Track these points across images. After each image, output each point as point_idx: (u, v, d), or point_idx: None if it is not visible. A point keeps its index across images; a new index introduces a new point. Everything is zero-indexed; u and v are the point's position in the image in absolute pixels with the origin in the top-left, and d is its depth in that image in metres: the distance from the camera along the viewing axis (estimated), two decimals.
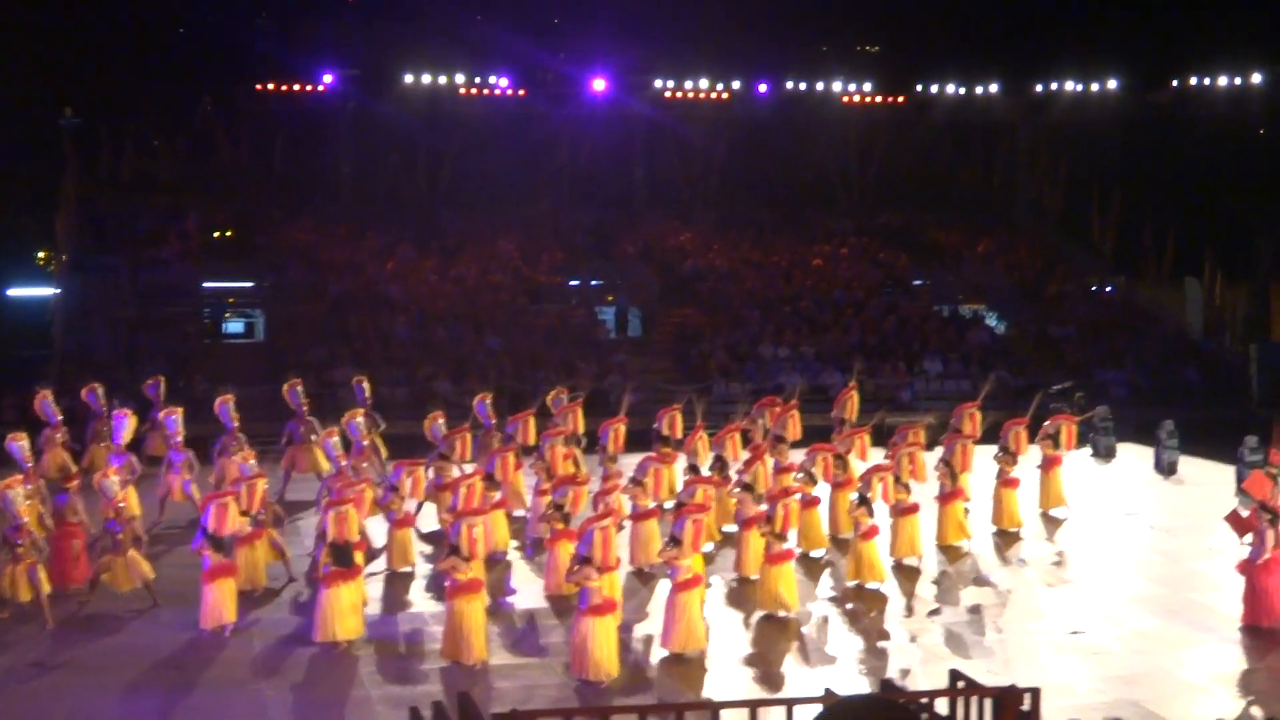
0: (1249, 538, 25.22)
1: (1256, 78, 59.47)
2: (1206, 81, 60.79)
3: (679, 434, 32.93)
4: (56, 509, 28.49)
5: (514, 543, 29.93)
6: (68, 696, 21.26)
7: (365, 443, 32.78)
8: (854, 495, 28.51)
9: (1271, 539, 24.56)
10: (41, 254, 65.03)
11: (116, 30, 59.84)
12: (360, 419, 32.72)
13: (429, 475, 29.67)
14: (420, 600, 26.25)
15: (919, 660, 23.15)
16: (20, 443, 30.37)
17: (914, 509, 29.05)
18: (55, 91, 56.67)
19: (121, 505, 26.87)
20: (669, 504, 29.29)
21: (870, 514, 27.35)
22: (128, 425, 33.08)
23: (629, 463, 30.67)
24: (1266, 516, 24.80)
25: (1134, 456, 40.95)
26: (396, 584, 27.33)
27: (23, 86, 58.80)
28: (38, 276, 64.21)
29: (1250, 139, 63.75)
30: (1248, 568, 24.75)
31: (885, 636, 24.71)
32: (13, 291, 64.53)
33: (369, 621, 24.07)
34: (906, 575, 28.00)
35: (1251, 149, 63.18)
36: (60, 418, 34.99)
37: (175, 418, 32.97)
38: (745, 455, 31.72)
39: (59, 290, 53.76)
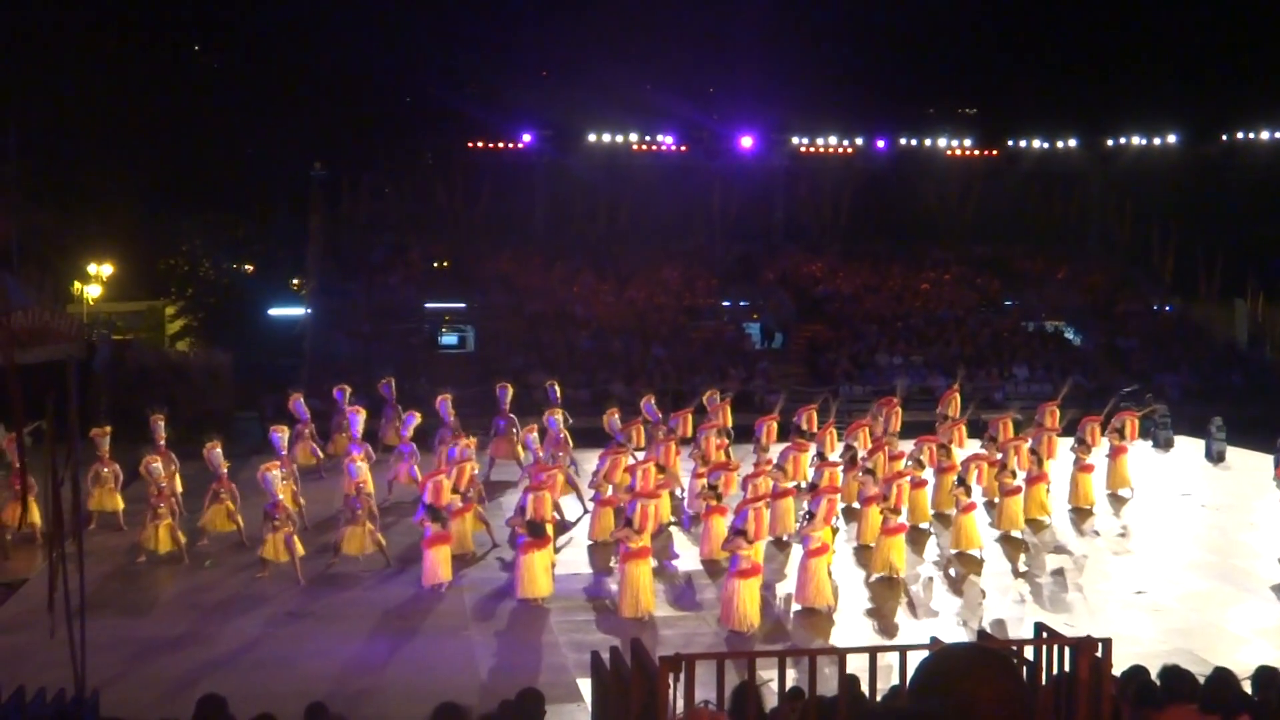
0: None
1: None
2: (1251, 135, 60.05)
3: (814, 427, 32.89)
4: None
5: (673, 517, 29.98)
6: (315, 639, 21.55)
7: (562, 435, 32.93)
8: (955, 478, 28.44)
9: None
10: (295, 281, 65.92)
11: (355, 100, 60.51)
12: (558, 416, 32.87)
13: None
14: (601, 564, 26.35)
15: (1009, 614, 23.03)
16: (281, 434, 30.84)
17: (1016, 490, 28.96)
18: (307, 150, 57.41)
19: (361, 484, 27.26)
20: (804, 485, 29.31)
21: (969, 493, 27.28)
22: (360, 420, 33.47)
23: (776, 451, 30.74)
24: None
25: (1188, 447, 40.37)
26: (593, 552, 27.45)
27: (281, 147, 59.72)
28: (292, 299, 65.18)
29: None
30: None
31: (980, 594, 24.57)
32: (272, 311, 65.50)
33: (559, 580, 24.25)
34: (998, 544, 27.86)
35: None
36: (309, 415, 35.38)
37: (413, 417, 33.29)
38: (870, 445, 31.57)
39: (309, 309, 54.43)
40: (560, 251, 58.02)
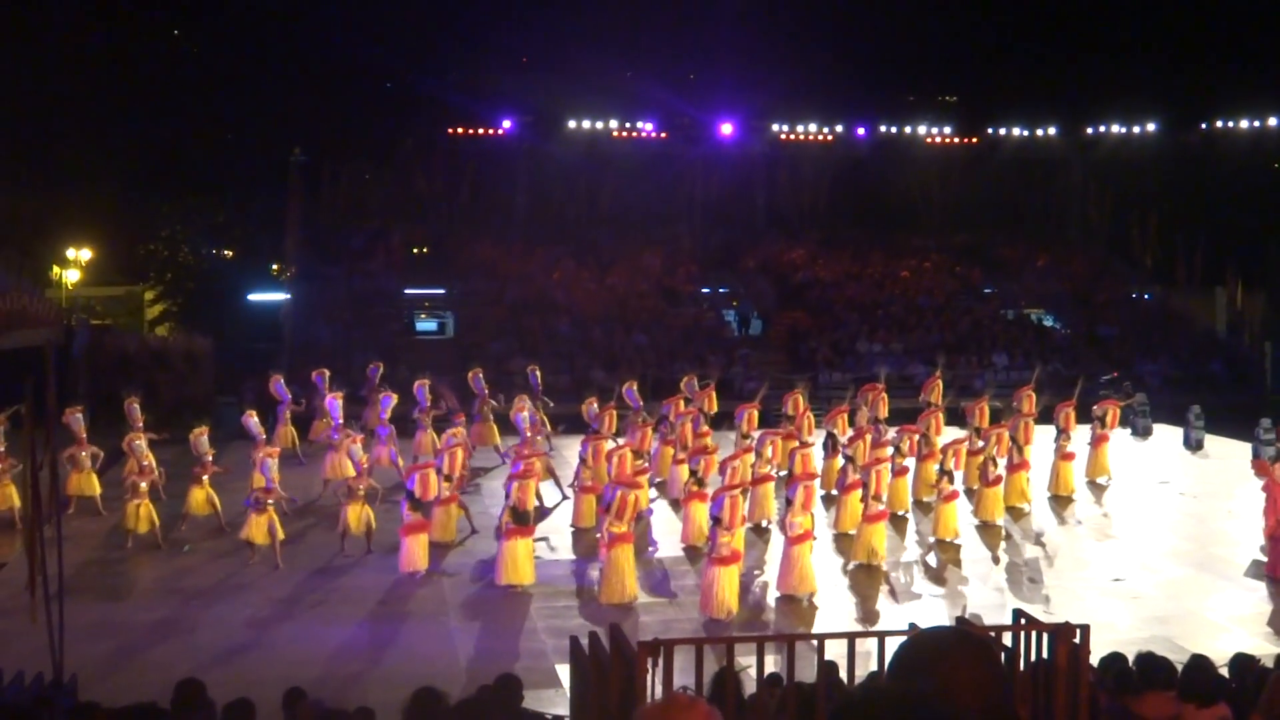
0: None
1: (1273, 121, 58.75)
2: (1230, 124, 60.17)
3: (800, 413, 33.01)
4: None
5: (654, 503, 30.00)
6: (295, 625, 21.61)
7: (540, 418, 32.95)
8: (937, 467, 28.42)
9: None
10: (275, 266, 65.71)
11: (335, 86, 60.30)
12: (526, 410, 32.60)
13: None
14: (582, 550, 26.35)
15: (988, 601, 23.07)
16: (253, 419, 30.87)
17: (997, 480, 29.02)
18: (287, 135, 57.19)
19: (360, 464, 27.37)
20: (783, 473, 29.32)
21: (951, 481, 27.29)
22: (340, 406, 33.54)
23: (756, 438, 30.74)
24: None
25: (1167, 435, 40.48)
26: (575, 538, 27.46)
27: (261, 132, 59.57)
28: (272, 284, 64.94)
29: (1266, 171, 62.96)
30: (1277, 529, 24.47)
31: (960, 581, 24.65)
32: (252, 296, 65.33)
33: (539, 567, 24.25)
34: (978, 532, 27.91)
35: (1268, 179, 62.42)
36: (289, 396, 35.41)
37: (390, 399, 33.41)
38: (850, 432, 31.57)
39: (289, 295, 54.35)
40: (540, 238, 57.86)
